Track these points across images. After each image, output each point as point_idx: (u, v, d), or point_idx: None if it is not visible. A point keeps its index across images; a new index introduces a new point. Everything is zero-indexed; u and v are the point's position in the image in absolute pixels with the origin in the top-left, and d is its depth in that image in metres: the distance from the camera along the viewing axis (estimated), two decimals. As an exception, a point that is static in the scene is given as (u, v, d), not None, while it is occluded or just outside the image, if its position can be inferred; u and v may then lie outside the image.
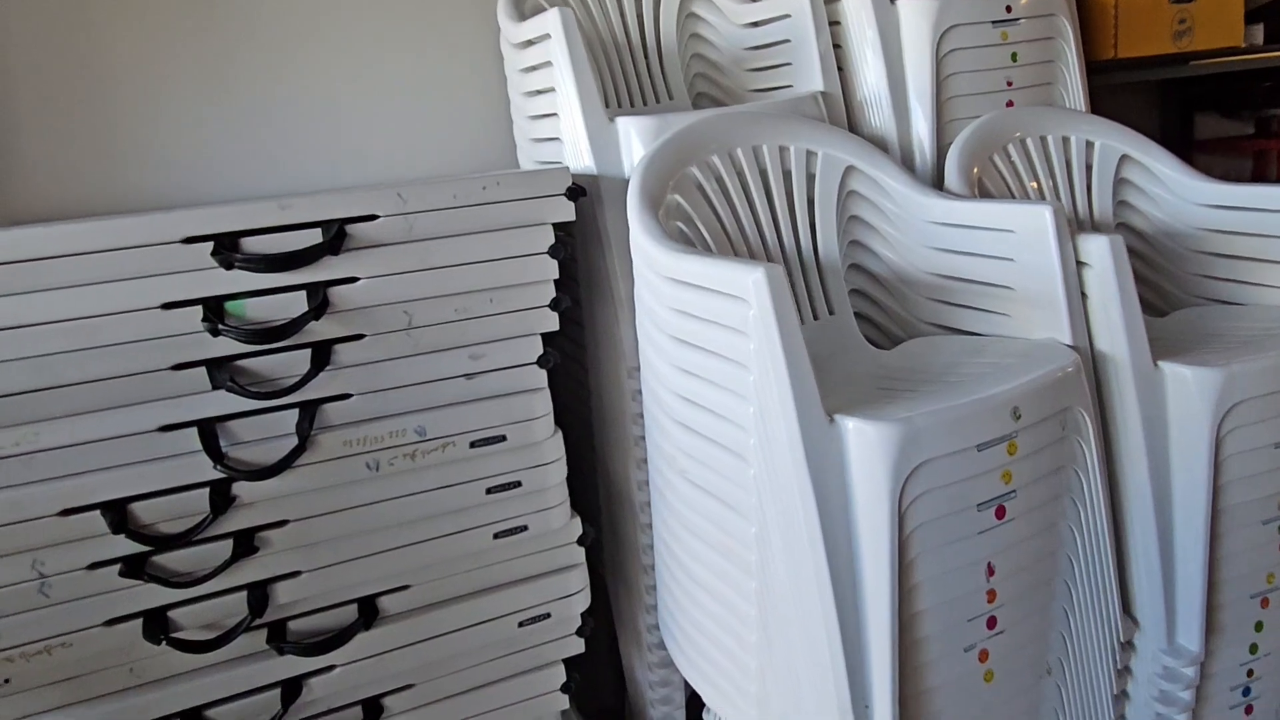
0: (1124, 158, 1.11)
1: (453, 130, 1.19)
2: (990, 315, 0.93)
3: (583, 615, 0.95)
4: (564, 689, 0.95)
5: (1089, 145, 1.10)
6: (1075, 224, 1.08)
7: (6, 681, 0.74)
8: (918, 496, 0.71)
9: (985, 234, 0.91)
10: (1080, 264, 0.85)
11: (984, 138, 1.06)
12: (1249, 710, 0.91)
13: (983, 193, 1.03)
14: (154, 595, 0.78)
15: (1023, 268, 0.88)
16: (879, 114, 1.10)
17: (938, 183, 1.04)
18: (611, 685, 1.31)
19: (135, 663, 0.78)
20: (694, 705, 1.10)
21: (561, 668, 0.95)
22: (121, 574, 0.76)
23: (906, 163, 1.08)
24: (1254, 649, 0.89)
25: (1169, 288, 1.10)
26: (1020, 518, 0.76)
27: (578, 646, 0.96)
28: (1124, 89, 1.58)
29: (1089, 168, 1.10)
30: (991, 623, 0.77)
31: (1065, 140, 1.10)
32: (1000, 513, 0.75)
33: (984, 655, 0.77)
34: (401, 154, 1.17)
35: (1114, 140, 1.11)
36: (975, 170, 1.03)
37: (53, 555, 0.74)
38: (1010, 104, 1.13)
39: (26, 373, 0.72)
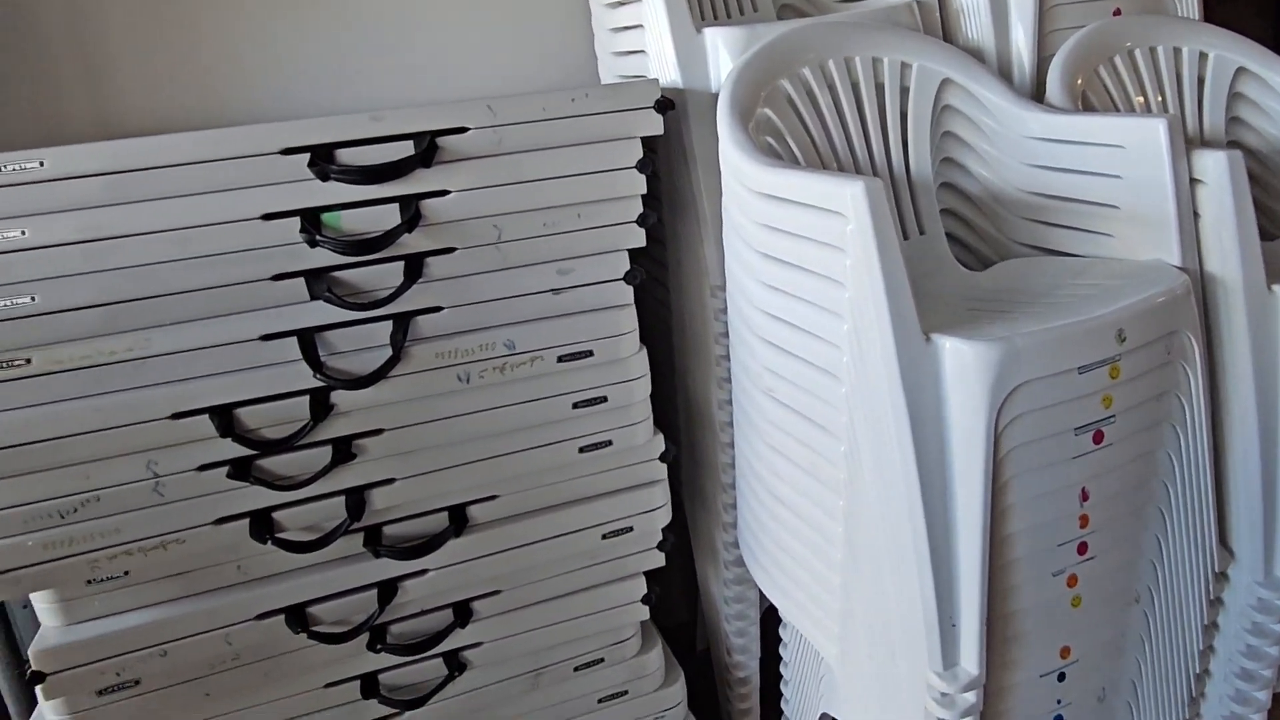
0: (1240, 70, 1.04)
1: (533, 45, 1.17)
2: (1092, 235, 0.89)
3: (663, 530, 0.97)
4: (644, 600, 0.98)
5: (1202, 57, 1.04)
6: (1187, 139, 1.03)
7: (126, 574, 0.79)
8: (1014, 418, 0.69)
9: (1091, 149, 0.87)
10: (1194, 181, 0.81)
11: (1089, 48, 1.00)
12: (1344, 644, 0.89)
13: (1086, 107, 0.98)
14: (259, 497, 0.81)
15: (1131, 185, 0.84)
16: (976, 23, 1.05)
17: (1037, 97, 1.00)
18: (684, 601, 1.34)
19: (242, 560, 0.82)
20: (768, 621, 1.12)
21: (642, 580, 0.97)
22: (229, 476, 0.79)
23: (1004, 75, 1.03)
24: (1355, 583, 0.86)
25: (1281, 210, 1.04)
26: (1118, 443, 0.75)
27: (658, 560, 0.97)
28: (1238, -3, 1.47)
29: (1201, 81, 1.04)
30: (1082, 548, 0.76)
31: (1176, 51, 1.04)
32: (1098, 437, 0.74)
33: (1073, 580, 0.77)
34: (481, 69, 1.15)
35: (1230, 51, 1.04)
36: (1079, 83, 0.98)
37: (165, 456, 0.77)
38: (1117, 12, 1.07)
39: (136, 281, 0.75)
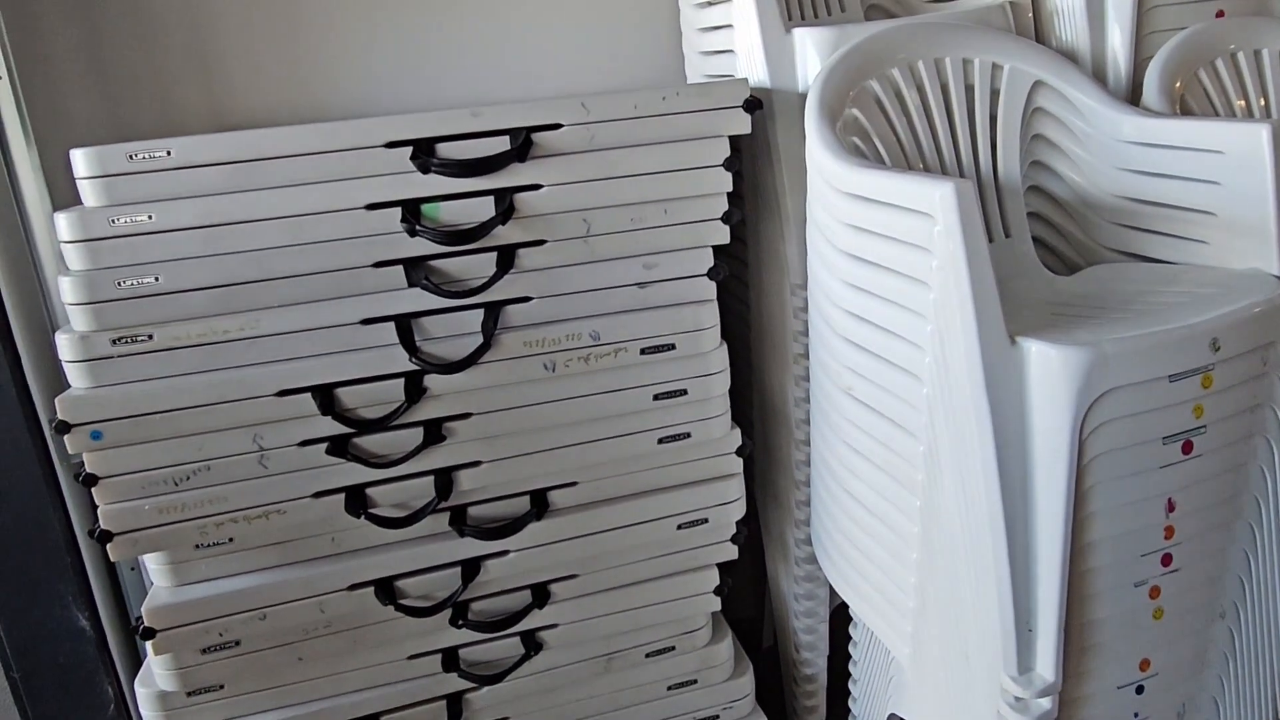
0: (1353, 75, 1.00)
1: (623, 44, 1.19)
2: (1186, 242, 0.87)
3: (737, 523, 0.98)
4: (716, 591, 0.99)
5: (1311, 61, 1.01)
6: (1291, 147, 0.99)
7: (231, 540, 0.84)
8: (1100, 425, 0.69)
9: (1188, 155, 0.85)
10: (1296, 190, 0.79)
11: (1190, 51, 0.98)
12: None
13: (1185, 111, 0.96)
14: (354, 473, 0.85)
15: (1229, 191, 0.82)
16: (1071, 25, 1.03)
17: (1134, 100, 0.98)
18: (751, 597, 1.35)
19: (337, 533, 0.87)
20: (837, 618, 1.12)
21: (715, 571, 0.99)
22: (328, 452, 0.83)
23: (1099, 78, 1.01)
24: None
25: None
26: (1208, 454, 0.73)
27: (731, 553, 0.99)
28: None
29: (1309, 86, 1.01)
30: (1166, 560, 0.75)
31: (1283, 55, 1.01)
32: (1187, 447, 0.72)
33: (1155, 592, 0.75)
34: (572, 67, 1.18)
35: (1342, 55, 1.01)
36: (1178, 86, 0.96)
37: (270, 431, 0.82)
38: (1221, 14, 1.04)
39: (248, 265, 0.79)
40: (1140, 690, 0.78)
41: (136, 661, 1.02)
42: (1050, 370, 0.68)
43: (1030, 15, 1.04)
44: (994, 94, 0.96)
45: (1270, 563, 0.80)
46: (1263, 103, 1.00)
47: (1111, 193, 0.93)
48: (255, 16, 1.07)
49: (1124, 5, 1.00)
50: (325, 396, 0.82)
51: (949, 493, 0.74)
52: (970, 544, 0.73)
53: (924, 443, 0.76)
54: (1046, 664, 0.72)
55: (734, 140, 0.89)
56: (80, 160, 0.75)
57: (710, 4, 1.07)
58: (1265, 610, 0.81)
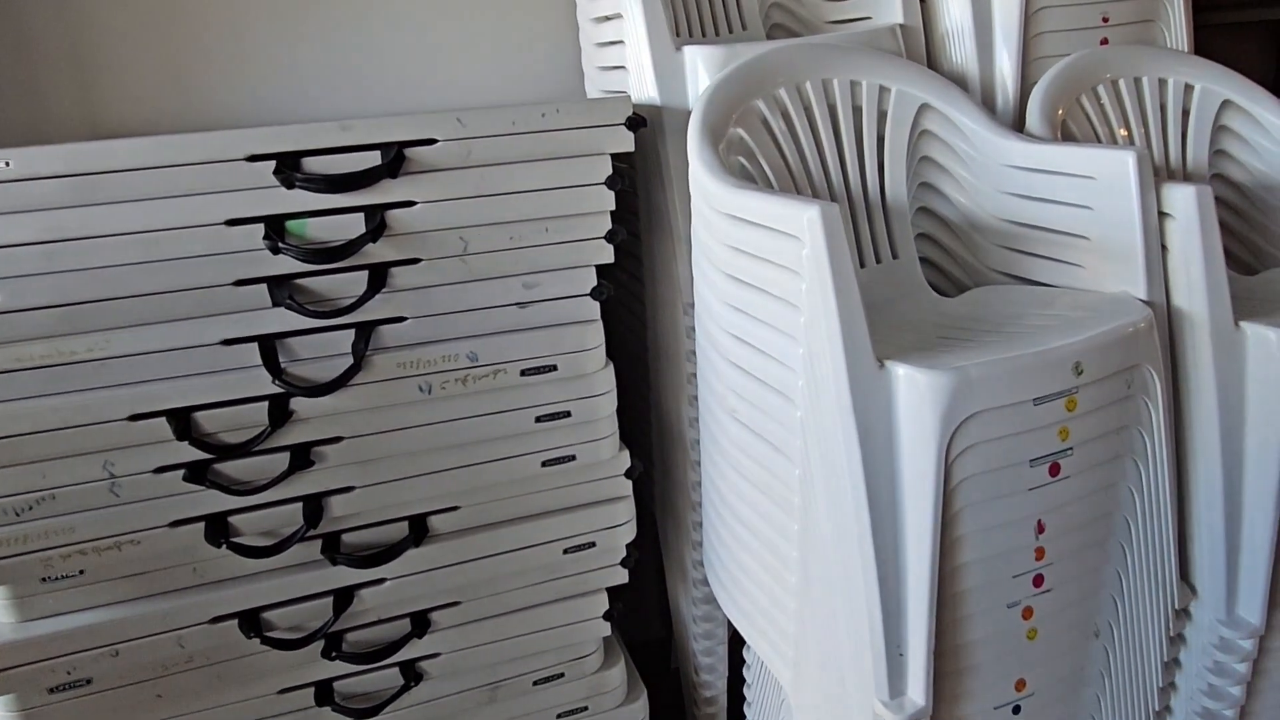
0: (1226, 103, 1.03)
1: (521, 57, 1.17)
2: (1063, 266, 0.89)
3: (628, 546, 0.97)
4: (606, 616, 0.97)
5: (1188, 89, 1.03)
6: (1166, 172, 1.02)
7: (81, 573, 0.79)
8: (967, 448, 0.69)
9: (1064, 179, 0.87)
10: (1163, 215, 0.81)
11: (1072, 77, 1.00)
12: (1308, 687, 0.87)
13: (1067, 137, 0.98)
14: (215, 501, 0.81)
15: (1101, 216, 0.83)
16: (961, 49, 1.05)
17: (1019, 125, 0.99)
18: (660, 617, 1.33)
19: (198, 563, 0.83)
20: (736, 642, 1.11)
21: (605, 596, 0.97)
22: (185, 479, 0.79)
23: (987, 103, 1.03)
24: (1319, 625, 0.85)
25: (1263, 244, 1.04)
26: (1076, 476, 0.74)
27: (621, 576, 0.97)
28: (1233, 29, 1.47)
29: (1186, 113, 1.04)
30: (1038, 580, 0.75)
31: (1162, 83, 1.03)
32: (1054, 470, 0.73)
33: (1028, 613, 0.76)
34: (468, 80, 1.16)
35: (1216, 84, 1.04)
36: (1060, 112, 0.97)
37: (122, 457, 0.78)
38: (1104, 42, 1.06)
39: (97, 283, 0.75)
40: (1017, 710, 0.78)
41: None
42: (915, 393, 0.68)
43: (922, 39, 1.05)
44: (881, 116, 0.96)
45: (1142, 582, 0.81)
46: (1143, 129, 1.03)
47: (996, 215, 0.94)
48: (132, 24, 1.03)
49: (1011, 31, 1.02)
50: (182, 421, 0.78)
51: (822, 516, 0.73)
52: (842, 567, 0.72)
53: (799, 466, 0.75)
54: (917, 688, 0.71)
55: (620, 158, 0.88)
56: (-93, 170, 0.70)
57: (605, 19, 1.06)
58: (1138, 628, 0.83)
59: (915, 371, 0.68)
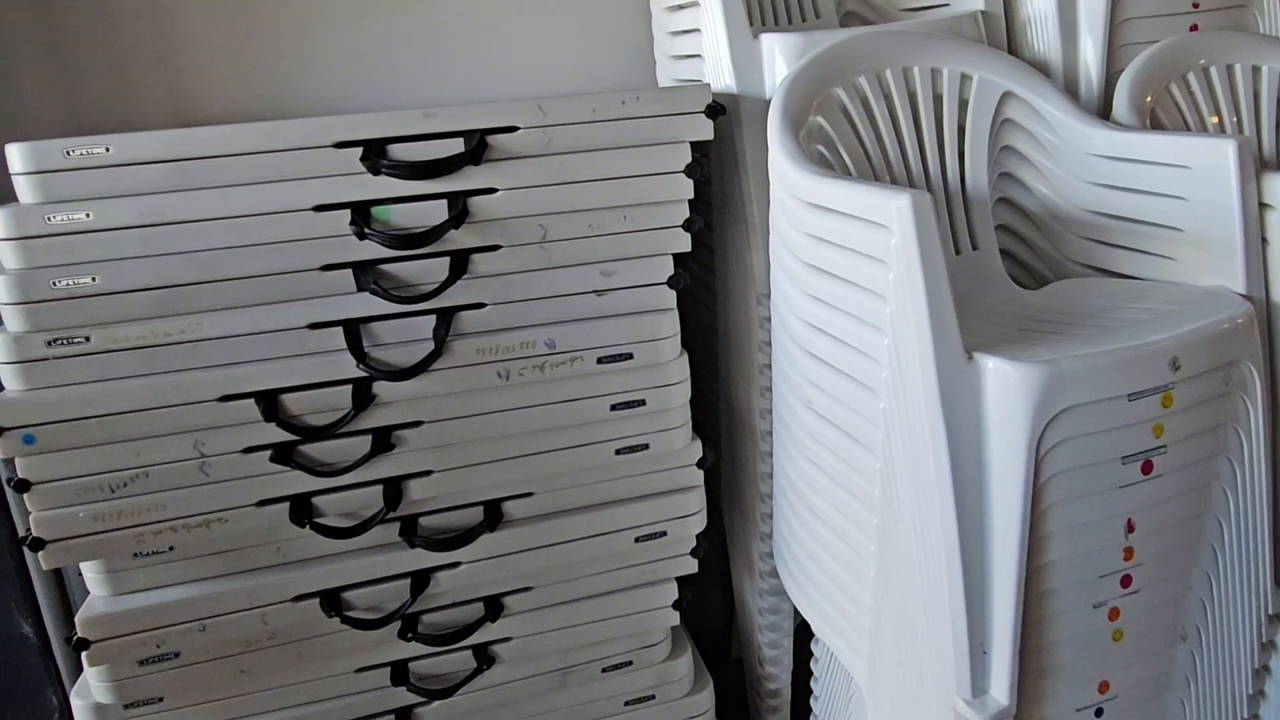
0: (1324, 91, 0.99)
1: (594, 46, 1.17)
2: (1152, 258, 0.86)
3: (698, 536, 0.96)
4: (675, 606, 0.97)
5: (1284, 76, 1.00)
6: (1260, 162, 0.98)
7: (171, 549, 0.82)
8: (1058, 444, 0.67)
9: (1155, 169, 0.84)
10: (1263, 206, 0.78)
11: (1161, 64, 0.97)
12: (1406, 697, 0.84)
13: (1155, 125, 0.95)
14: (300, 482, 0.83)
15: (1196, 208, 0.81)
16: (1043, 36, 1.02)
17: (1104, 113, 0.97)
18: (720, 608, 1.33)
19: (282, 542, 0.84)
20: (801, 634, 1.11)
21: (674, 585, 0.97)
22: (271, 459, 0.81)
23: (1070, 91, 1.00)
24: None
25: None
26: (1169, 474, 0.72)
27: (691, 566, 0.97)
28: (1330, 15, 1.41)
29: (1280, 102, 1.00)
30: (1126, 581, 0.74)
31: (1255, 70, 1.00)
32: (1147, 467, 0.71)
33: (1114, 614, 0.74)
34: (544, 69, 1.16)
35: (1314, 71, 1.00)
36: (1148, 100, 0.95)
37: (212, 437, 0.80)
38: (1194, 28, 1.03)
39: (192, 266, 0.77)
40: (1099, 713, 0.77)
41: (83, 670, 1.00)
42: (1007, 387, 0.66)
43: (1003, 26, 1.03)
44: (963, 104, 0.94)
45: (1232, 585, 0.79)
46: (1235, 118, 0.99)
47: (1080, 206, 0.92)
48: (217, 11, 1.05)
49: (1096, 17, 0.99)
50: (270, 402, 0.80)
51: (904, 510, 0.72)
52: (925, 563, 0.71)
53: (881, 459, 0.74)
54: (1001, 687, 0.70)
55: (698, 146, 0.87)
56: (15, 155, 0.73)
57: (680, 8, 1.06)
58: (1227, 633, 0.80)
59: (1006, 364, 0.66)
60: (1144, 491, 0.71)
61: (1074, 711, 0.76)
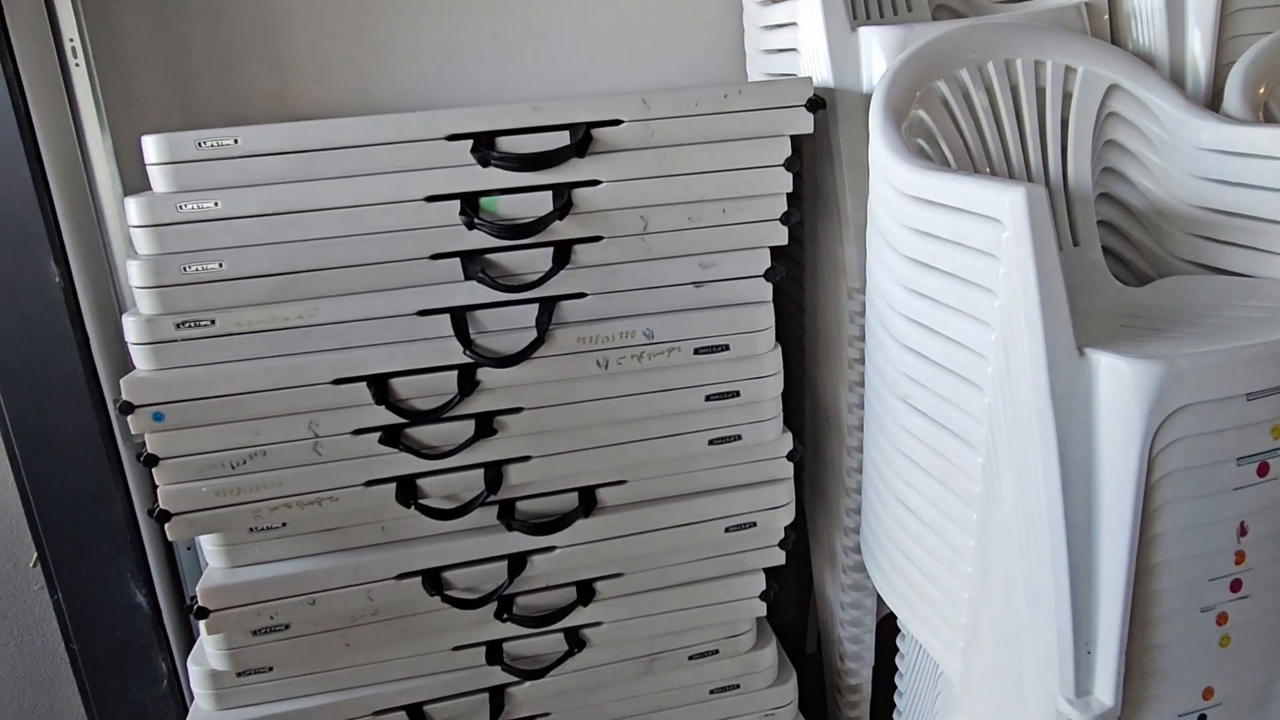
0: None
1: (683, 41, 1.18)
2: (1265, 255, 0.84)
3: (786, 529, 0.97)
4: (763, 596, 0.98)
5: (1407, 68, 0.96)
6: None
7: (284, 525, 0.85)
8: (1171, 443, 0.66)
9: (1270, 163, 0.82)
10: (1387, 202, 0.75)
11: (1276, 56, 0.94)
12: None
13: (1268, 118, 0.92)
14: (406, 463, 0.85)
15: (1315, 203, 0.78)
16: (1149, 28, 1.00)
17: (1213, 106, 0.94)
18: (795, 603, 1.33)
19: (387, 522, 0.87)
20: (883, 628, 1.10)
21: (761, 576, 0.98)
22: (381, 441, 0.84)
23: (1177, 83, 0.98)
24: None
25: None
26: (1286, 477, 0.70)
27: (779, 558, 0.98)
28: None
29: (1403, 95, 0.96)
30: (1236, 585, 0.72)
31: (1377, 62, 0.96)
32: (1263, 470, 0.69)
33: (1223, 618, 0.73)
34: (633, 64, 1.17)
35: None
36: (1262, 92, 0.92)
37: (326, 418, 0.83)
38: (1310, 18, 1.00)
39: (308, 254, 0.80)
40: (1203, 719, 0.75)
41: (190, 639, 1.05)
42: (1120, 384, 0.65)
43: (1106, 18, 1.01)
44: (1066, 97, 0.93)
45: (1347, 593, 0.77)
46: (1353, 112, 0.96)
47: (1187, 202, 0.90)
48: (323, 8, 1.09)
49: (1206, 8, 0.97)
50: (380, 386, 0.83)
51: (1008, 507, 0.72)
52: (1029, 561, 0.71)
53: (983, 455, 0.74)
54: (1106, 688, 0.69)
55: (795, 140, 0.88)
56: (151, 146, 0.76)
57: (774, 1, 1.06)
58: (1339, 642, 0.78)
59: (1120, 360, 0.65)
60: (1259, 494, 0.70)
61: (1177, 716, 0.74)
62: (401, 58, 1.12)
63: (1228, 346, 0.67)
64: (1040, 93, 0.93)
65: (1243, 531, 0.71)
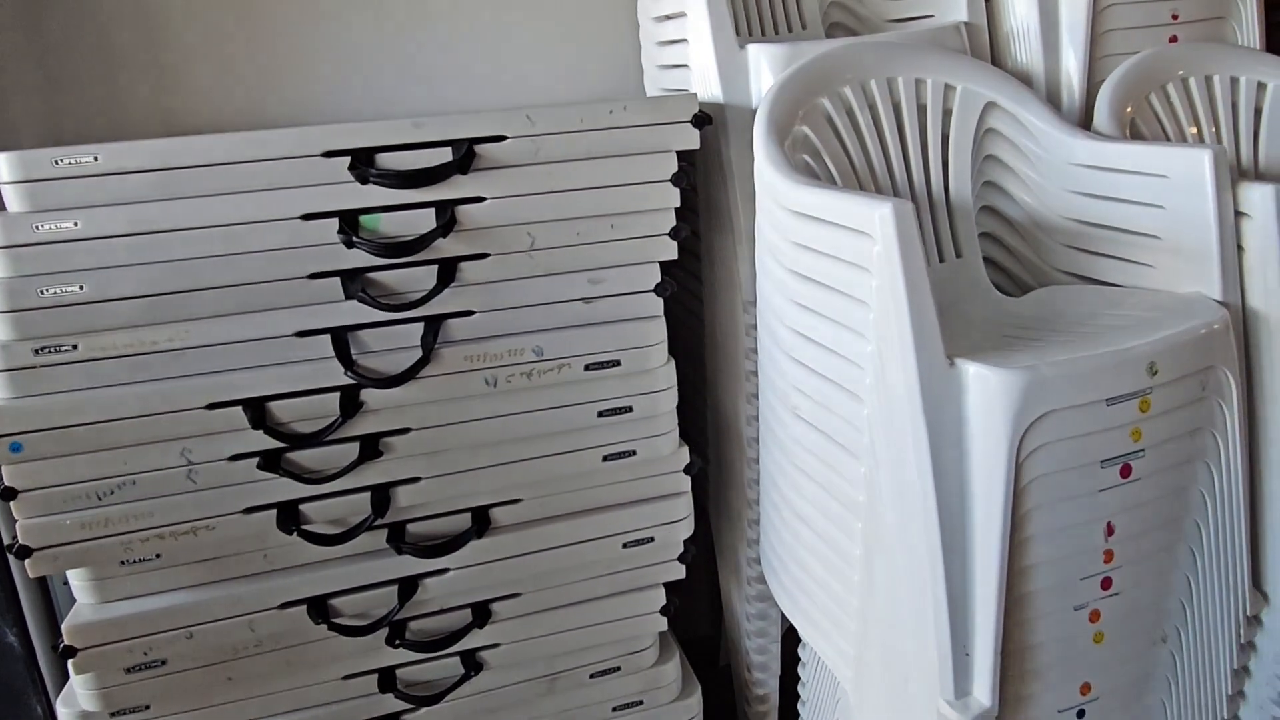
0: (1301, 101, 1.01)
1: (581, 56, 1.18)
2: (1132, 266, 0.88)
3: (685, 542, 0.97)
4: (663, 611, 0.98)
5: (1260, 87, 1.01)
6: (1237, 171, 1.00)
7: (158, 556, 0.82)
8: (1038, 448, 0.68)
9: (1135, 178, 0.86)
10: (1239, 214, 0.79)
11: (1141, 75, 0.98)
12: (1384, 698, 0.85)
13: (1135, 135, 0.96)
14: (287, 489, 0.83)
15: (1173, 216, 0.82)
16: (1026, 47, 1.03)
17: (1085, 124, 0.98)
18: (708, 614, 1.33)
19: (269, 550, 0.85)
20: (789, 640, 1.11)
21: (662, 591, 0.97)
22: (259, 467, 0.81)
23: (1053, 101, 1.02)
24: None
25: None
26: (1147, 478, 0.73)
27: (679, 572, 0.98)
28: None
29: (1259, 112, 1.01)
30: (1106, 583, 0.75)
31: (1234, 81, 1.01)
32: (1126, 471, 0.72)
33: (1095, 615, 0.75)
34: (531, 78, 1.17)
35: (1291, 82, 1.01)
36: (1129, 110, 0.96)
37: (199, 445, 0.80)
38: (1174, 40, 1.05)
39: (179, 274, 0.77)
40: (1081, 715, 0.78)
41: (68, 679, 1.00)
42: (988, 392, 0.67)
43: (986, 37, 1.04)
44: (946, 114, 0.96)
45: (1212, 587, 0.80)
46: (1213, 128, 1.01)
47: (1062, 215, 0.93)
48: (204, 25, 1.06)
49: (1078, 29, 1.01)
50: (257, 410, 0.80)
51: (888, 514, 0.73)
52: (908, 566, 0.72)
53: (865, 464, 0.75)
54: (983, 688, 0.71)
55: (684, 155, 0.88)
56: (3, 164, 0.73)
57: (667, 18, 1.07)
58: (1208, 635, 0.81)
59: (987, 370, 0.67)
60: (1123, 495, 0.72)
61: (1056, 713, 0.77)
62: (290, 72, 1.09)
63: (1087, 354, 0.69)
64: (921, 109, 0.95)
65: (1110, 531, 0.73)
